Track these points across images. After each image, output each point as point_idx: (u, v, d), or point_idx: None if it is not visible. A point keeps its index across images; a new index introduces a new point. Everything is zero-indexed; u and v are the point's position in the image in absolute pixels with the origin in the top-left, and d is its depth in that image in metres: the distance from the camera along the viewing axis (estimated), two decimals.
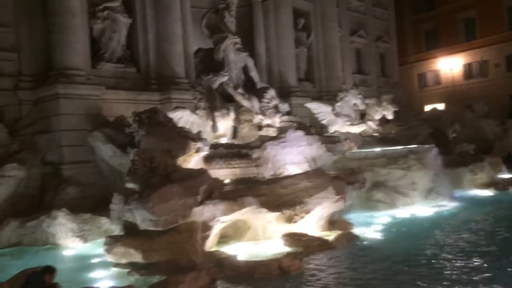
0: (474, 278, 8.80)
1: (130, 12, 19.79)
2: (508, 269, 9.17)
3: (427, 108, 41.15)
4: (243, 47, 20.30)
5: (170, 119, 14.02)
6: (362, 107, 23.07)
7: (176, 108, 16.57)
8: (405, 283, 8.70)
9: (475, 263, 9.70)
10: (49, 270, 7.45)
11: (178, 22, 20.32)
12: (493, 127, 29.53)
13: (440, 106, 39.94)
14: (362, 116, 23.63)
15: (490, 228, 13.05)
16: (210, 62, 19.92)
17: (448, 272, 9.24)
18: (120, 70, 19.18)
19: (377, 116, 23.80)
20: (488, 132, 29.11)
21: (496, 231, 12.59)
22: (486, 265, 9.54)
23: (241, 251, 11.37)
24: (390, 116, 24.12)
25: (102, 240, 11.48)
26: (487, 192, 19.47)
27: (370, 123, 23.23)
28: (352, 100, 22.67)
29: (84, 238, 13.19)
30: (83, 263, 11.08)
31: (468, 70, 43.58)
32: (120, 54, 19.42)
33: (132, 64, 19.76)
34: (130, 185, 11.39)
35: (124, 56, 19.63)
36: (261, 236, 12.43)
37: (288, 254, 10.80)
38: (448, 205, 16.59)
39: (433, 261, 10.05)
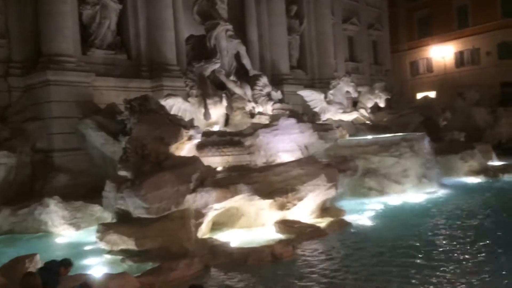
0: (463, 263, 8.95)
1: None
2: (498, 254, 9.31)
3: (419, 95, 41.30)
4: (235, 34, 20.07)
5: (162, 107, 13.93)
6: (354, 94, 23.10)
7: (168, 95, 16.46)
8: (396, 269, 8.79)
9: (465, 249, 9.83)
10: (66, 263, 7.35)
11: (169, 8, 20.11)
12: (484, 115, 29.76)
13: (432, 94, 40.13)
14: (355, 104, 23.68)
15: (480, 214, 13.19)
16: (201, 49, 19.69)
17: (439, 258, 9.36)
18: (110, 56, 18.98)
19: (369, 104, 23.87)
20: (479, 120, 29.34)
21: (485, 218, 12.76)
22: (476, 250, 9.69)
23: (234, 238, 11.41)
24: (382, 104, 24.20)
25: (94, 227, 11.45)
26: (478, 179, 19.63)
27: (362, 110, 23.29)
28: (345, 87, 22.67)
29: (76, 225, 13.15)
30: (76, 251, 11.06)
31: (460, 58, 43.71)
32: (110, 41, 19.20)
33: (122, 51, 19.56)
34: (122, 173, 11.34)
35: (115, 42, 19.41)
36: (254, 223, 12.49)
37: (280, 241, 10.88)
38: (439, 192, 16.75)
39: (424, 247, 10.16)
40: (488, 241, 10.35)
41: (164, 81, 18.95)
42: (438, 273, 8.41)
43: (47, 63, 16.19)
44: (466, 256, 9.35)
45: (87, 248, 11.29)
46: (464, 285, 7.77)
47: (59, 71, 16.12)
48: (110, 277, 8.14)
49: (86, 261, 10.13)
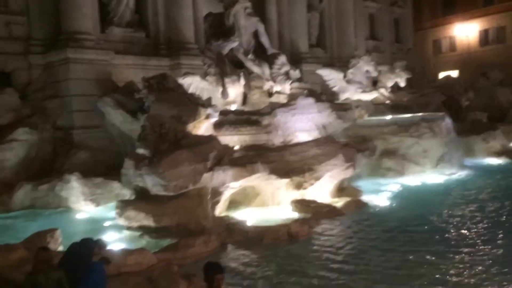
0: (479, 246, 8.82)
1: None
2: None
3: (442, 75, 40.40)
4: (254, 12, 19.84)
5: (180, 85, 13.93)
6: (374, 74, 22.73)
7: (186, 73, 16.42)
8: (411, 250, 8.75)
9: (482, 232, 9.72)
10: (101, 244, 7.37)
11: None
12: (508, 95, 28.96)
13: (455, 73, 39.16)
14: (375, 83, 23.30)
15: (499, 197, 12.96)
16: (220, 27, 19.54)
17: (455, 240, 9.28)
18: (129, 34, 18.97)
19: (390, 83, 23.46)
20: (503, 100, 28.56)
21: (504, 200, 12.50)
22: (494, 234, 9.54)
23: (250, 216, 11.49)
24: (402, 84, 23.77)
25: (113, 204, 11.66)
26: (499, 161, 19.31)
27: (382, 90, 22.93)
28: (365, 66, 22.32)
29: (96, 201, 13.36)
30: (96, 226, 11.29)
31: (484, 37, 42.43)
32: (129, 19, 19.16)
33: (141, 29, 19.51)
34: (140, 151, 11.43)
35: (133, 20, 19.36)
36: (270, 202, 12.54)
37: (296, 220, 10.90)
38: (459, 174, 16.54)
39: (441, 229, 10.08)
40: (506, 224, 10.22)
41: (182, 59, 18.89)
42: (453, 255, 8.35)
43: (66, 41, 16.27)
44: (483, 239, 9.23)
45: (106, 224, 11.51)
46: (479, 268, 7.68)
47: (78, 49, 16.19)
48: (128, 253, 8.29)
49: (105, 237, 10.27)
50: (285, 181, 12.37)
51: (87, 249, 6.84)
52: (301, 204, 12.11)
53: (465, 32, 43.04)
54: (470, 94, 25.49)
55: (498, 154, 19.90)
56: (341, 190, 13.62)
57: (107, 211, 12.50)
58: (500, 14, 40.48)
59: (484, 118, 22.95)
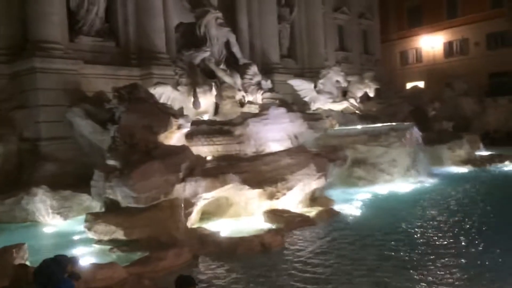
0: (449, 251, 9.05)
1: None
2: (482, 243, 9.43)
3: (408, 85, 41.46)
4: (225, 22, 19.91)
5: (151, 95, 13.80)
6: (344, 84, 23.12)
7: (157, 83, 16.31)
8: (384, 258, 8.88)
9: (451, 238, 9.96)
10: (74, 261, 7.20)
11: None
12: (472, 105, 30.07)
13: (421, 84, 40.30)
14: (344, 94, 23.70)
15: (466, 204, 13.34)
16: (191, 37, 19.46)
17: (426, 246, 9.47)
18: (98, 44, 18.72)
19: (359, 94, 23.93)
20: (467, 110, 29.64)
21: (472, 207, 12.89)
22: (462, 240, 9.81)
23: (224, 227, 11.42)
24: (371, 94, 24.28)
25: (82, 217, 11.37)
26: (465, 169, 19.83)
27: (352, 100, 23.35)
28: (335, 77, 22.68)
29: (64, 215, 13.05)
30: (64, 240, 11.00)
31: (449, 48, 43.89)
32: (98, 27, 18.94)
33: (111, 38, 19.30)
34: (110, 162, 11.25)
35: (103, 29, 19.15)
36: (243, 213, 12.51)
37: (269, 231, 10.91)
38: (427, 182, 16.90)
39: (411, 236, 10.30)
40: (473, 230, 10.52)
41: (153, 69, 18.77)
42: (425, 261, 8.52)
43: (33, 50, 15.92)
44: (451, 246, 9.45)
45: (75, 237, 11.23)
46: (452, 273, 7.87)
47: (46, 58, 15.87)
48: (98, 267, 8.10)
49: (74, 251, 10.06)
50: (258, 191, 12.37)
51: (59, 265, 6.75)
52: (273, 214, 12.13)
53: (431, 44, 44.43)
54: (436, 104, 26.25)
55: (464, 162, 20.46)
56: (313, 199, 13.72)
57: (76, 224, 12.21)
58: (464, 26, 41.99)
59: (450, 127, 23.64)
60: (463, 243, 9.56)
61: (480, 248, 9.13)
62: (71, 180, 14.28)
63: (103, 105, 13.91)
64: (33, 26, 16.30)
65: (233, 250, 9.68)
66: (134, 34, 19.58)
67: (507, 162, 20.43)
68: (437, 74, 42.14)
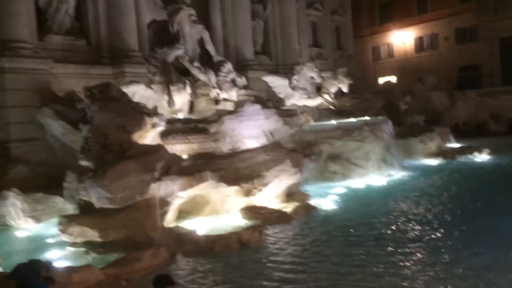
0: (423, 243, 9.28)
1: None
2: (454, 233, 9.71)
3: (381, 80, 42.15)
4: (199, 19, 19.82)
5: (124, 94, 13.61)
6: (318, 80, 23.31)
7: (130, 82, 16.11)
8: (360, 251, 9.03)
9: (425, 229, 10.20)
10: (47, 266, 7.07)
11: None
12: (442, 98, 30.74)
13: (393, 79, 41.02)
14: (318, 90, 23.91)
15: (438, 195, 13.70)
16: (164, 35, 19.34)
17: (401, 238, 9.67)
18: (69, 42, 18.34)
19: (333, 89, 24.17)
20: (438, 103, 30.28)
21: (443, 198, 13.27)
22: (435, 230, 10.06)
23: (201, 226, 11.39)
24: (345, 89, 24.56)
25: (56, 219, 11.16)
26: (436, 161, 20.34)
27: (326, 96, 23.56)
28: (309, 73, 22.84)
29: (37, 218, 12.73)
30: (38, 244, 10.77)
31: (420, 43, 44.76)
32: (68, 26, 18.53)
33: (82, 36, 18.92)
34: (84, 163, 11.07)
35: (73, 28, 18.75)
36: (220, 210, 12.50)
37: (247, 227, 10.95)
38: (399, 174, 17.26)
39: (386, 228, 10.49)
40: (445, 221, 10.81)
41: (125, 67, 18.49)
42: (401, 254, 8.68)
43: (1, 49, 15.49)
44: (425, 237, 9.68)
45: (49, 241, 11.00)
46: (428, 264, 8.06)
47: (14, 58, 15.46)
48: (73, 270, 7.97)
49: (49, 254, 9.87)
50: (235, 188, 12.39)
51: (33, 270, 6.65)
52: (250, 211, 12.17)
53: (402, 39, 45.23)
54: (408, 98, 26.76)
55: (435, 155, 20.97)
56: (289, 195, 13.82)
57: (49, 227, 11.95)
58: (434, 22, 42.89)
59: (421, 121, 24.14)
60: (435, 235, 9.76)
61: (454, 240, 9.33)
62: (43, 183, 13.97)
63: (74, 105, 13.66)
64: (0, 26, 15.84)
65: (211, 248, 9.68)
66: (106, 32, 19.25)
67: (476, 154, 21.01)
68: (409, 68, 42.96)
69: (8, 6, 15.76)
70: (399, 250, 8.92)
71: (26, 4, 16.54)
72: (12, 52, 15.50)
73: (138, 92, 15.86)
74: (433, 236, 9.70)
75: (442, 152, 21.14)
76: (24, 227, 12.45)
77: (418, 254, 8.68)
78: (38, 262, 7.08)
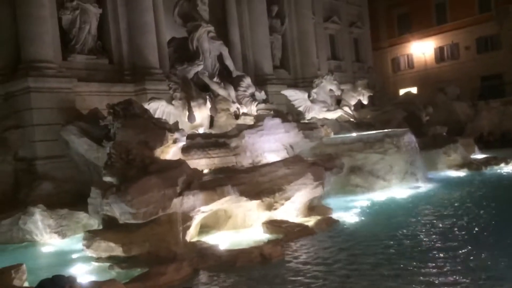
0: (451, 257, 9.01)
1: (100, 1, 19.36)
2: (483, 249, 9.39)
3: (401, 92, 41.77)
4: (217, 36, 20.07)
5: (146, 110, 13.82)
6: (337, 93, 23.22)
7: (152, 99, 16.34)
8: (385, 265, 8.86)
9: (451, 243, 9.94)
10: (72, 279, 7.09)
11: (150, 11, 19.98)
12: (465, 109, 30.26)
13: (414, 90, 40.64)
14: (338, 102, 23.83)
15: (464, 208, 13.35)
16: (184, 52, 19.61)
17: (426, 253, 9.43)
18: (92, 61, 18.79)
19: (353, 102, 24.06)
20: (461, 114, 29.81)
21: (469, 211, 12.93)
22: (461, 245, 9.77)
23: (223, 240, 11.39)
24: (365, 101, 24.42)
25: (80, 235, 11.33)
26: (461, 173, 19.92)
27: (346, 108, 23.45)
28: (328, 86, 22.79)
29: (62, 233, 12.97)
30: (63, 259, 10.92)
31: (440, 54, 44.37)
32: (91, 45, 19.02)
33: (104, 55, 19.38)
34: (107, 179, 11.22)
35: (96, 47, 19.24)
36: (242, 225, 12.49)
37: (269, 241, 10.89)
38: (423, 187, 16.95)
39: (411, 243, 10.24)
40: (472, 236, 10.50)
41: (147, 84, 18.82)
42: (427, 269, 8.46)
43: (27, 69, 15.95)
44: (452, 251, 9.40)
45: (74, 256, 11.15)
46: (452, 280, 7.84)
47: (39, 77, 15.89)
48: (98, 285, 8.02)
49: (74, 270, 9.99)
50: (256, 202, 12.37)
51: (57, 286, 6.68)
52: (272, 225, 12.11)
53: (422, 49, 44.92)
54: (430, 109, 26.41)
55: (459, 166, 20.56)
56: (311, 208, 13.72)
57: (74, 243, 12.13)
58: (454, 31, 42.54)
59: (444, 132, 23.78)
60: (464, 250, 9.44)
61: (483, 254, 9.03)
62: (68, 199, 14.24)
63: (98, 122, 13.90)
64: (26, 46, 16.35)
65: (233, 263, 9.63)
66: (127, 50, 19.68)
67: (502, 165, 20.54)
68: (429, 79, 42.56)
69: (33, 27, 16.27)
70: (425, 265, 8.69)
71: (50, 24, 17.05)
72: (37, 72, 15.94)
73: (159, 109, 16.08)
74: (461, 250, 9.41)
75: (467, 164, 20.71)
76: (50, 243, 12.66)
77: (446, 269, 8.41)
78: (62, 277, 7.10)
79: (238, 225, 12.49)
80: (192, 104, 17.32)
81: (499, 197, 14.75)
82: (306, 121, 20.43)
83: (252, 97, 19.32)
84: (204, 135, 15.33)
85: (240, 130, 15.02)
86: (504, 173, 19.44)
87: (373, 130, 20.60)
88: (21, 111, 16.01)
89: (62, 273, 7.45)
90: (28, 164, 15.47)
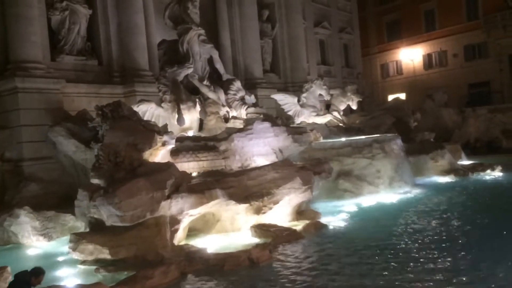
0: (438, 262, 9.10)
1: (90, 2, 19.24)
2: (469, 254, 9.51)
3: (390, 97, 42.11)
4: (208, 39, 20.08)
5: (135, 113, 13.76)
6: (327, 97, 23.35)
7: (141, 101, 16.30)
8: (372, 269, 8.91)
9: (438, 248, 10.03)
10: (36, 272, 7.40)
11: (140, 13, 19.91)
12: (452, 115, 30.56)
13: (402, 96, 41.01)
14: (328, 107, 23.95)
15: (451, 213, 13.48)
16: (174, 54, 19.60)
17: (413, 258, 9.51)
18: (81, 62, 18.66)
19: (342, 107, 24.20)
20: (448, 120, 30.10)
21: (456, 216, 13.05)
22: (448, 250, 9.88)
23: (211, 244, 11.36)
24: (354, 106, 24.58)
25: (67, 237, 11.21)
26: (448, 179, 20.07)
27: (335, 113, 23.59)
28: (318, 90, 22.90)
29: (48, 236, 12.83)
30: (49, 262, 10.76)
31: (428, 60, 44.85)
32: (80, 46, 18.88)
33: (93, 57, 19.25)
34: (95, 181, 11.14)
35: (85, 48, 19.10)
36: (230, 228, 12.47)
37: (257, 245, 10.88)
38: (411, 192, 17.07)
39: (398, 247, 10.34)
40: (458, 240, 10.61)
41: (136, 86, 18.74)
42: (413, 273, 8.53)
43: (14, 70, 15.79)
44: (438, 256, 9.49)
45: (60, 259, 11.04)
46: (442, 285, 7.90)
47: (27, 78, 15.73)
48: None
49: (59, 272, 9.89)
50: (244, 206, 12.36)
51: (22, 282, 6.88)
52: (260, 229, 12.11)
53: (410, 56, 45.38)
54: (418, 115, 26.65)
55: (446, 172, 20.71)
56: (300, 213, 13.75)
57: (60, 245, 12.02)
58: (442, 39, 43.07)
59: (432, 138, 23.99)
60: (451, 255, 9.52)
61: (468, 260, 9.13)
62: (54, 201, 14.09)
63: (86, 123, 13.81)
64: (14, 47, 16.18)
65: (221, 266, 9.61)
66: (117, 52, 19.57)
67: (488, 171, 20.77)
68: (418, 85, 43.00)
69: (21, 27, 16.11)
70: (410, 269, 8.77)
71: (39, 25, 16.89)
72: (25, 73, 15.77)
73: (148, 111, 16.05)
74: (444, 254, 9.52)
75: (454, 170, 20.89)
76: (35, 245, 12.52)
77: (431, 273, 8.51)
78: (24, 273, 7.36)
79: (227, 229, 12.47)
80: (182, 106, 17.30)
81: (485, 202, 14.92)
82: (296, 126, 20.50)
83: (242, 100, 19.36)
84: (193, 138, 15.30)
85: (229, 133, 15.03)
86: (490, 179, 19.68)
87: (362, 135, 20.72)
88: (8, 111, 15.83)
89: (23, 270, 7.58)
90: (15, 165, 15.29)
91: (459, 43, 42.18)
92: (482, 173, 20.61)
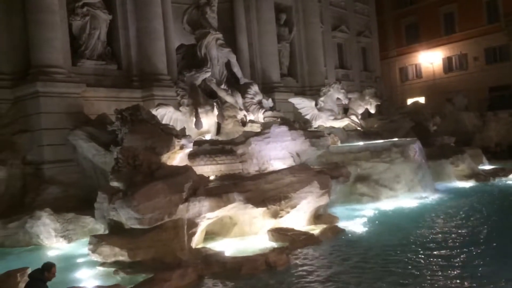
0: (457, 268, 8.96)
1: (110, 8, 19.56)
2: (491, 259, 9.34)
3: (409, 101, 41.65)
4: (226, 43, 20.18)
5: (153, 116, 13.89)
6: (345, 101, 23.22)
7: (159, 105, 16.44)
8: (390, 275, 8.80)
9: (458, 254, 9.86)
10: (47, 267, 7.63)
11: (159, 18, 20.16)
12: (473, 119, 30.10)
13: (421, 100, 40.51)
14: (345, 111, 23.80)
15: (472, 219, 13.24)
16: (192, 58, 19.74)
17: (432, 264, 9.38)
18: (101, 67, 18.95)
19: (360, 110, 24.01)
20: (468, 124, 29.65)
21: (478, 222, 12.81)
22: (469, 256, 9.71)
23: (228, 247, 11.37)
24: (372, 110, 24.36)
25: (86, 239, 11.34)
26: (469, 184, 19.73)
27: (353, 117, 23.41)
28: (335, 94, 22.79)
29: (68, 238, 13.01)
30: (68, 263, 10.93)
31: (448, 64, 44.19)
32: (100, 51, 19.20)
33: (113, 61, 19.54)
34: (114, 184, 11.26)
35: (105, 53, 19.42)
36: (248, 232, 12.46)
37: (274, 249, 10.85)
38: (431, 197, 16.82)
39: (417, 253, 10.18)
40: (480, 246, 10.40)
41: (155, 90, 18.94)
42: (432, 279, 8.41)
43: (36, 74, 16.11)
44: (459, 262, 9.36)
45: (79, 260, 11.17)
46: None
47: (48, 82, 16.04)
48: None
49: (79, 274, 10.02)
50: (262, 210, 12.34)
51: (37, 280, 7.05)
52: (278, 233, 12.07)
53: (430, 59, 44.77)
54: (437, 119, 26.29)
55: (467, 177, 20.35)
56: (317, 217, 13.67)
57: (80, 247, 12.17)
58: (462, 42, 42.38)
59: (452, 142, 23.62)
60: (471, 261, 9.39)
61: (489, 266, 8.96)
62: (74, 203, 14.30)
63: (105, 127, 14.01)
64: (35, 51, 16.52)
65: (238, 270, 9.61)
66: (136, 57, 19.83)
67: (510, 176, 20.36)
68: (437, 89, 42.40)
69: (43, 33, 16.44)
70: (430, 275, 8.64)
71: (60, 30, 17.21)
72: (46, 77, 16.08)
73: (167, 115, 16.18)
74: (465, 261, 9.35)
75: (474, 174, 20.51)
76: (56, 246, 12.70)
77: (451, 279, 8.38)
78: (36, 271, 7.59)
79: (244, 232, 12.47)
80: (200, 110, 17.39)
81: (507, 208, 14.62)
82: (313, 129, 20.41)
83: (259, 104, 19.36)
84: (211, 142, 15.35)
85: (246, 137, 15.03)
86: None
87: (380, 139, 20.52)
88: (30, 115, 16.15)
89: (36, 268, 7.77)
90: (36, 168, 15.57)
91: (479, 46, 41.48)
92: (504, 178, 20.23)
